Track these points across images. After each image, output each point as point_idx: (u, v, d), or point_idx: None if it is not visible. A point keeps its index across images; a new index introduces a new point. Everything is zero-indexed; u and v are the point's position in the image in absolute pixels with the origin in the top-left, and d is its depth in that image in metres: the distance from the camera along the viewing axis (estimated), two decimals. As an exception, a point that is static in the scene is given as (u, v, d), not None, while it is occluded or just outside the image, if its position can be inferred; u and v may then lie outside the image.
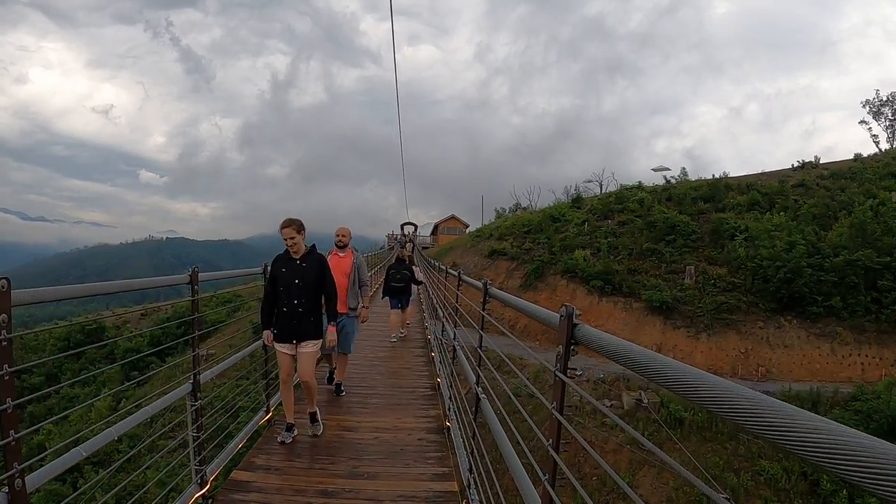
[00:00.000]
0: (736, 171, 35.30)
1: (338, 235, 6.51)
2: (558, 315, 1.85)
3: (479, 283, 4.10)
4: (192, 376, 3.81)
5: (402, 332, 10.73)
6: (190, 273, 3.74)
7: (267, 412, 5.48)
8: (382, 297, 11.43)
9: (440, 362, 7.00)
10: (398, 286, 10.79)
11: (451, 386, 5.19)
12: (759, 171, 34.85)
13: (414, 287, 12.03)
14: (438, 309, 8.99)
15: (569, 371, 1.85)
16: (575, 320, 1.77)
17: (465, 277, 5.80)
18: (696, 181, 33.22)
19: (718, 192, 29.28)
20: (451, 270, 8.14)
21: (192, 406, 3.81)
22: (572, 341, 1.78)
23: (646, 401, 15.97)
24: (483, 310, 3.90)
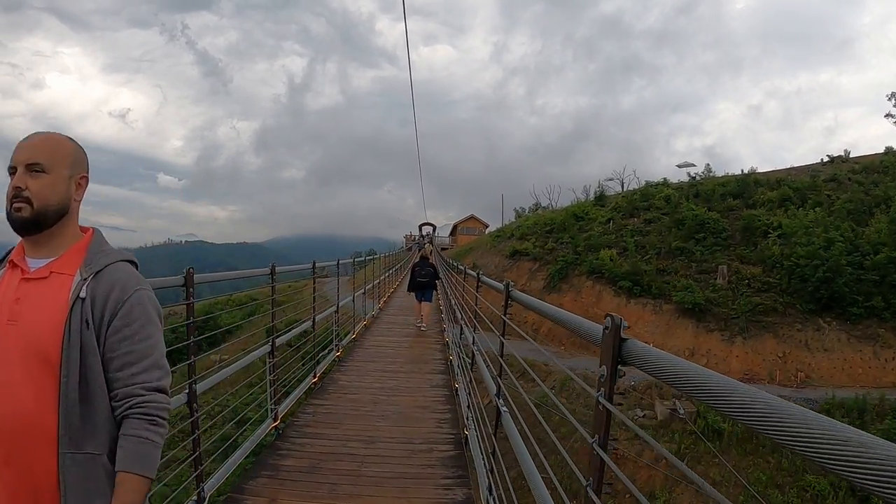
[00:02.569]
0: (758, 168, 34.14)
1: (15, 187, 1.34)
2: (601, 328, 1.50)
3: (501, 285, 3.69)
4: (187, 386, 3.57)
5: (422, 327, 11.69)
6: (185, 275, 3.48)
7: (275, 419, 5.23)
8: (408, 291, 12.99)
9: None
10: (423, 281, 12.03)
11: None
12: (788, 167, 33.64)
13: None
14: (457, 310, 8.49)
15: (615, 397, 1.50)
16: (623, 334, 1.43)
17: (484, 278, 5.38)
18: (723, 177, 32.07)
19: (748, 187, 28.15)
20: (469, 271, 7.64)
21: (189, 420, 3.61)
22: (619, 360, 1.44)
23: (681, 410, 15.09)
24: (505, 314, 3.50)
